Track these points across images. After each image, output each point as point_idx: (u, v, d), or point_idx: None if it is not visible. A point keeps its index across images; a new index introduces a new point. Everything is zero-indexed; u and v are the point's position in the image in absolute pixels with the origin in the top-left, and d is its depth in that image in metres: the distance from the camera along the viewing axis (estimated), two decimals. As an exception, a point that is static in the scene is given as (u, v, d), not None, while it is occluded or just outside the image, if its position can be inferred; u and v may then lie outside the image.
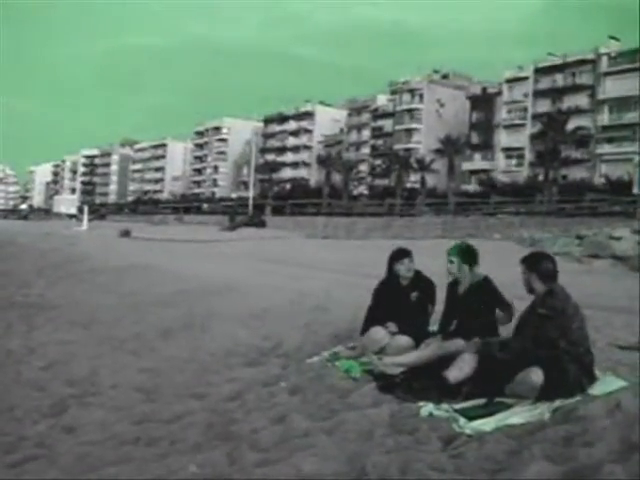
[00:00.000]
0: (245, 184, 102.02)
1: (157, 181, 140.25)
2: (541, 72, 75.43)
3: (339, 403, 5.10)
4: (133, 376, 6.53)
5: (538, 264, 5.22)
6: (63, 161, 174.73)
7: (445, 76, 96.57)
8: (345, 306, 9.31)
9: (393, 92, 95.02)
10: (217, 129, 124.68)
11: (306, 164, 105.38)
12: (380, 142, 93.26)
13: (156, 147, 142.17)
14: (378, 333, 6.23)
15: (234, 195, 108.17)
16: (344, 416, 4.75)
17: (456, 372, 5.15)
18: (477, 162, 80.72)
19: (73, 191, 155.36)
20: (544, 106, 73.08)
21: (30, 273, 18.17)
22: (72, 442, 4.94)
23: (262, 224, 61.52)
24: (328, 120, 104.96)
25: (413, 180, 77.94)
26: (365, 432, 4.45)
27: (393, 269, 6.48)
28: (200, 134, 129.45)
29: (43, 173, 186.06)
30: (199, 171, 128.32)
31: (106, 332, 9.03)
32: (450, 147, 73.05)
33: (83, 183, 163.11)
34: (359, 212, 69.46)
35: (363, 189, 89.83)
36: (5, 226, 62.49)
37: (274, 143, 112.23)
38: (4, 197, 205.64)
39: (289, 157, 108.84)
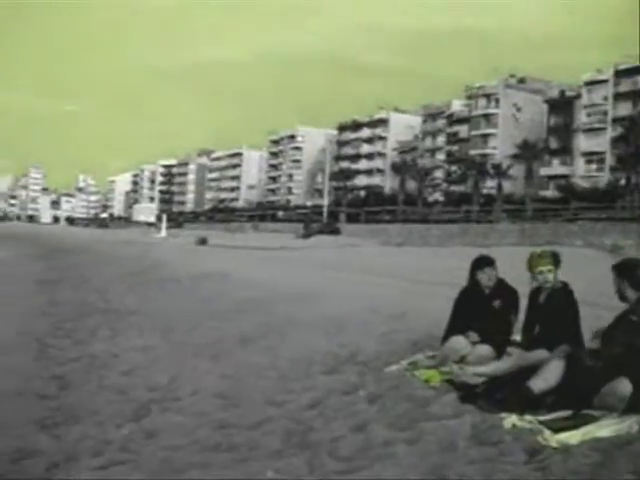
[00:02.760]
0: (319, 192, 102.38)
1: (233, 189, 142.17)
2: (621, 74, 73.40)
3: (419, 413, 5.03)
4: (213, 382, 6.58)
5: (630, 271, 5.09)
6: (142, 171, 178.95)
7: (522, 80, 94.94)
8: (423, 314, 9.20)
9: (469, 97, 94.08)
10: (292, 137, 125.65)
11: (380, 171, 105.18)
12: (455, 148, 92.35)
13: (232, 156, 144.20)
14: (459, 342, 6.12)
15: (309, 203, 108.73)
16: (425, 426, 4.68)
17: (540, 382, 5.01)
18: (556, 167, 79.00)
19: (152, 200, 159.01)
20: (625, 109, 71.08)
21: (111, 280, 18.61)
22: (154, 447, 5.01)
23: (337, 232, 61.67)
24: (402, 127, 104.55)
25: (489, 186, 76.78)
26: (447, 443, 4.37)
27: (475, 277, 6.37)
28: (275, 142, 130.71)
29: (123, 182, 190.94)
30: (274, 179, 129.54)
31: (185, 338, 9.16)
32: (528, 152, 71.75)
33: (161, 192, 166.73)
34: (434, 219, 68.92)
35: (438, 196, 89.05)
36: (87, 234, 64.38)
37: (348, 151, 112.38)
38: (86, 206, 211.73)
39: (363, 164, 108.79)
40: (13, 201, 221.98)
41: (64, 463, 4.96)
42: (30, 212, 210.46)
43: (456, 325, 6.34)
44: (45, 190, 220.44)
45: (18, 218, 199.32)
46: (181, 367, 7.38)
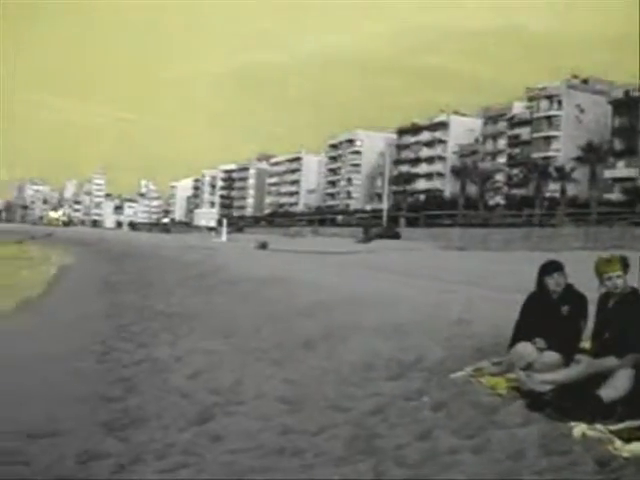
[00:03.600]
0: (379, 196, 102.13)
1: (292, 194, 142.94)
2: (689, 73, 71.34)
3: (486, 420, 4.93)
4: (276, 386, 6.59)
5: None
6: (203, 176, 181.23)
7: (585, 81, 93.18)
8: (487, 320, 9.05)
9: (530, 99, 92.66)
10: (351, 142, 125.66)
11: (440, 175, 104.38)
12: (517, 151, 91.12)
13: (291, 161, 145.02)
14: (526, 348, 5.98)
15: (368, 207, 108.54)
16: (492, 434, 4.59)
17: (610, 391, 4.88)
18: (621, 169, 77.09)
19: (212, 205, 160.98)
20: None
21: (174, 284, 18.85)
22: (218, 450, 5.02)
23: (396, 236, 61.38)
24: (463, 130, 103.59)
25: (552, 189, 75.44)
26: (514, 451, 4.28)
27: (543, 282, 6.22)
28: (334, 147, 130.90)
29: (184, 188, 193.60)
30: (333, 183, 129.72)
31: (247, 342, 9.19)
32: (592, 154, 70.34)
33: (222, 197, 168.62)
34: (496, 223, 67.98)
35: (500, 199, 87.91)
36: (149, 239, 65.45)
37: (408, 154, 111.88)
38: (148, 211, 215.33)
39: (423, 168, 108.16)
40: (77, 207, 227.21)
41: (130, 465, 5.02)
42: (94, 217, 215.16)
43: (523, 331, 6.20)
44: (108, 196, 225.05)
45: (82, 223, 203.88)
46: (244, 371, 7.40)
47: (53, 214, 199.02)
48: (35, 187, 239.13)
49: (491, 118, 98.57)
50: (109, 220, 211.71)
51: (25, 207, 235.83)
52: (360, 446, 4.64)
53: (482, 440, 4.51)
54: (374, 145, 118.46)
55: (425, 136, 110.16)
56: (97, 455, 5.40)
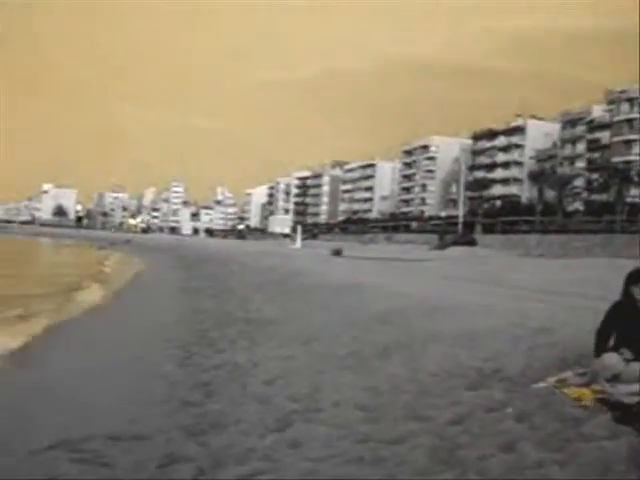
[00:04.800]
0: (454, 202, 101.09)
1: (366, 200, 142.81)
2: None
3: (571, 433, 4.79)
4: (354, 394, 6.56)
5: None
6: (277, 183, 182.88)
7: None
8: (569, 329, 8.81)
9: (610, 102, 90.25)
10: (425, 147, 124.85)
11: (517, 180, 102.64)
12: (597, 155, 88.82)
13: (365, 167, 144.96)
14: (611, 359, 5.79)
15: (443, 213, 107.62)
16: (578, 447, 4.45)
17: (702, 404, 4.68)
18: None
19: (286, 212, 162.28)
20: None
21: (249, 289, 19.06)
22: (297, 457, 5.03)
23: (472, 243, 60.59)
24: (540, 134, 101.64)
25: (634, 194, 73.30)
26: (603, 466, 4.14)
27: (629, 291, 6.02)
28: (408, 153, 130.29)
29: (259, 195, 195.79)
30: (407, 190, 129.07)
31: (325, 349, 9.19)
32: (676, 158, 68.09)
33: (296, 204, 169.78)
34: (575, 229, 66.36)
35: (579, 205, 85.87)
36: (226, 245, 66.36)
37: (483, 160, 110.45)
38: (223, 218, 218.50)
39: (499, 173, 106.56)
40: (156, 214, 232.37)
41: (210, 470, 5.08)
42: (171, 224, 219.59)
43: (607, 341, 6.02)
44: (185, 203, 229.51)
45: (160, 230, 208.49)
46: (322, 378, 7.41)
47: (132, 221, 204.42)
48: (115, 195, 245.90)
49: (569, 122, 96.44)
50: (186, 227, 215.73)
51: (105, 214, 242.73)
52: (442, 456, 4.57)
53: (568, 453, 4.38)
54: (449, 151, 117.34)
55: (501, 141, 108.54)
56: (178, 459, 5.48)
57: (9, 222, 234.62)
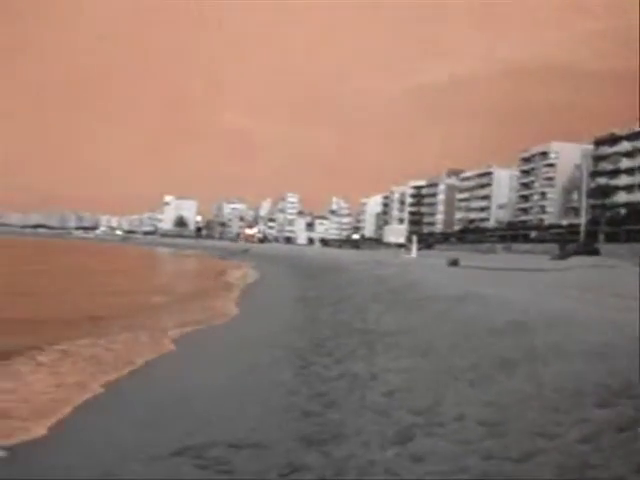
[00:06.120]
0: (575, 210, 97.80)
1: (483, 209, 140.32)
2: None
3: None
4: (476, 409, 6.42)
5: None
6: (392, 192, 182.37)
7: None
8: None
9: None
10: (544, 154, 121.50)
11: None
12: None
13: (481, 175, 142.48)
14: None
15: (564, 222, 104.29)
16: None
17: None
18: None
19: (401, 221, 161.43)
20: None
21: (366, 299, 19.02)
22: (419, 471, 4.97)
23: (595, 252, 58.37)
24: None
25: None
26: None
27: None
28: (526, 160, 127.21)
29: (373, 204, 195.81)
30: (526, 198, 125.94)
31: (444, 361, 9.05)
32: None
33: (411, 213, 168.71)
34: None
35: None
36: (341, 255, 66.73)
37: (606, 166, 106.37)
38: (338, 228, 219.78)
39: (623, 180, 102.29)
40: (272, 224, 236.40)
41: (331, 480, 5.09)
42: (287, 234, 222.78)
43: None
44: (301, 213, 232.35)
45: (276, 240, 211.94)
46: (442, 391, 7.29)
47: (249, 231, 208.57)
48: (232, 205, 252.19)
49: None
50: (301, 237, 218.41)
51: (223, 224, 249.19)
52: (572, 476, 4.41)
53: None
54: (569, 157, 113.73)
55: (624, 146, 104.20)
56: (299, 468, 5.51)
57: (132, 232, 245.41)
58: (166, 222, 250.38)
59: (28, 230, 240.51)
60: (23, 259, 55.23)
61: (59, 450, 6.62)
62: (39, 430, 7.21)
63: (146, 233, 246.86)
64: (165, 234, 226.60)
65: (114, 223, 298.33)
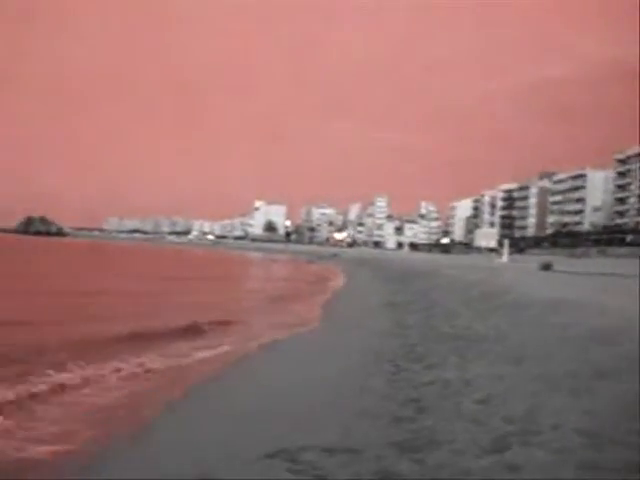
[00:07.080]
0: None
1: (577, 212, 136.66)
2: None
3: None
4: (574, 418, 6.22)
5: None
6: (482, 196, 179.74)
7: None
8: None
9: None
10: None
11: None
12: None
13: (575, 178, 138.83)
14: None
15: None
16: None
17: None
18: None
19: (492, 225, 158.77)
20: None
21: (457, 304, 18.79)
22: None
23: (697, 256, 56.04)
24: None
25: None
26: None
27: None
28: (622, 162, 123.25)
29: (463, 208, 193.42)
30: (622, 200, 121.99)
31: (539, 369, 8.82)
32: None
33: (502, 217, 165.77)
34: None
35: None
36: (430, 259, 66.22)
37: None
38: (427, 232, 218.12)
39: None
40: (360, 228, 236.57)
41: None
42: (376, 238, 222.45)
43: None
44: (389, 217, 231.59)
45: (365, 244, 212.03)
46: (537, 399, 7.11)
47: (338, 235, 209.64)
48: (321, 210, 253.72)
49: None
50: (390, 241, 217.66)
51: (312, 229, 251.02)
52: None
53: None
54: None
55: None
56: (392, 475, 5.48)
57: (224, 237, 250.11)
58: (256, 227, 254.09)
59: (123, 235, 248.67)
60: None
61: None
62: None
63: (237, 238, 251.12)
64: (255, 239, 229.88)
65: (206, 228, 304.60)
